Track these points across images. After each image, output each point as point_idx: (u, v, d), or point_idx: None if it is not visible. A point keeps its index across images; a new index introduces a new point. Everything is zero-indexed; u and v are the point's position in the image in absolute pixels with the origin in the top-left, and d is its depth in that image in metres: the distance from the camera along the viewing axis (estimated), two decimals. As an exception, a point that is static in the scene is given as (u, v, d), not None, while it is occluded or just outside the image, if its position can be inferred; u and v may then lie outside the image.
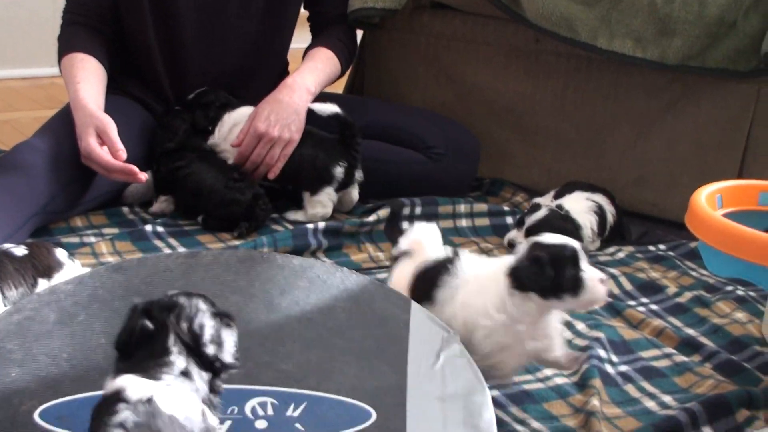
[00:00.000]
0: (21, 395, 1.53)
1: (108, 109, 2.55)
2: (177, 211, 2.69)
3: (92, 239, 2.46)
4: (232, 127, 2.78)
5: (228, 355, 1.42)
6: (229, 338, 1.43)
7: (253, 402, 1.57)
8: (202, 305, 1.43)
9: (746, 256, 1.69)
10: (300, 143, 2.76)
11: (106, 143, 2.45)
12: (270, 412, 1.56)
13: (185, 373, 1.35)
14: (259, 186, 2.69)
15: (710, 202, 1.86)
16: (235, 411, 1.55)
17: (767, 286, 1.76)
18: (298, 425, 1.54)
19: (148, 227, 2.54)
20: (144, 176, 2.46)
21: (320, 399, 1.60)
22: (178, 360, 1.35)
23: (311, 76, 2.85)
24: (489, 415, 1.62)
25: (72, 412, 1.51)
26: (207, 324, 1.41)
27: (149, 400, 1.25)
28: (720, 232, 1.74)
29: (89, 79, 2.60)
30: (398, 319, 1.76)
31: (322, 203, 2.71)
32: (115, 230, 2.54)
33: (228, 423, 1.53)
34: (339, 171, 2.73)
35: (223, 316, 1.44)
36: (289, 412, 1.56)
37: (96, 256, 2.35)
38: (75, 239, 2.46)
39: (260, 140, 2.71)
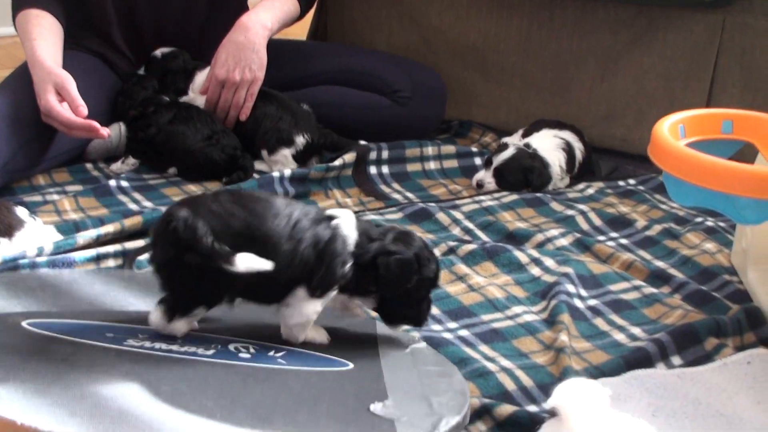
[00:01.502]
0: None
1: (66, 65, 2.51)
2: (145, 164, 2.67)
3: (55, 197, 2.43)
4: (203, 81, 2.76)
5: None
6: None
7: (235, 344, 1.60)
8: None
9: (708, 184, 1.68)
10: (266, 102, 2.74)
11: (65, 100, 2.41)
12: (252, 351, 1.58)
13: None
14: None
15: (673, 132, 1.84)
16: (219, 347, 1.57)
17: (730, 214, 1.74)
18: (280, 360, 1.57)
19: (113, 182, 2.51)
20: (106, 131, 2.42)
21: (299, 351, 1.62)
22: None
23: (267, 13, 2.81)
24: (461, 377, 1.64)
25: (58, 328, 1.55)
26: None
27: None
28: (682, 161, 1.72)
29: (45, 35, 2.55)
30: (366, 322, 1.79)
31: (281, 163, 2.68)
32: (78, 187, 2.51)
33: (212, 350, 1.55)
34: (300, 140, 2.70)
35: None
36: (270, 353, 1.59)
37: (59, 214, 2.32)
38: (38, 197, 2.43)
39: (223, 86, 2.69)
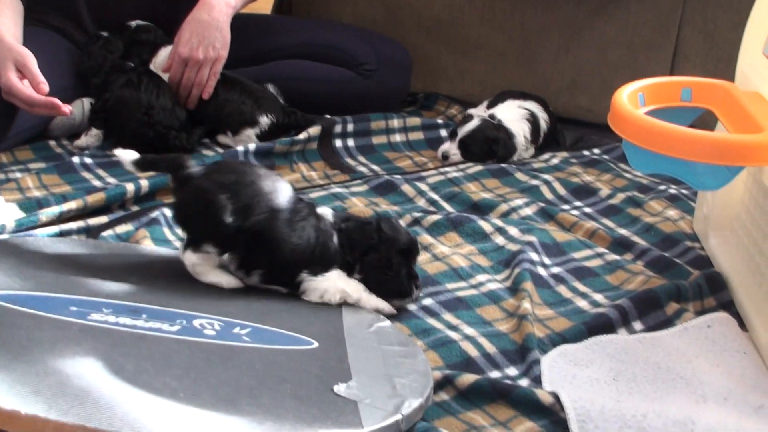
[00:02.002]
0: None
1: (27, 42, 2.48)
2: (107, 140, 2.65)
3: (17, 174, 2.41)
4: (166, 57, 2.75)
5: None
6: None
7: (200, 320, 1.60)
8: None
9: (666, 151, 1.70)
10: (228, 88, 2.73)
11: (26, 77, 2.39)
12: (217, 328, 1.59)
13: None
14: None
15: (632, 100, 1.85)
16: (184, 323, 1.57)
17: (689, 181, 1.76)
18: (245, 337, 1.57)
19: (76, 159, 2.50)
20: (68, 109, 2.41)
21: (264, 328, 1.63)
22: None
23: None
24: (424, 358, 1.65)
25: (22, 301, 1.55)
26: None
27: None
28: (640, 129, 1.73)
29: (4, 11, 2.52)
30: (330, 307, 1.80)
31: (245, 143, 2.66)
32: (41, 164, 2.49)
33: (177, 327, 1.55)
34: (264, 120, 2.70)
35: None
36: (235, 330, 1.59)
37: (22, 191, 2.31)
38: (0, 176, 2.42)
39: (186, 64, 2.68)
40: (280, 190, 1.80)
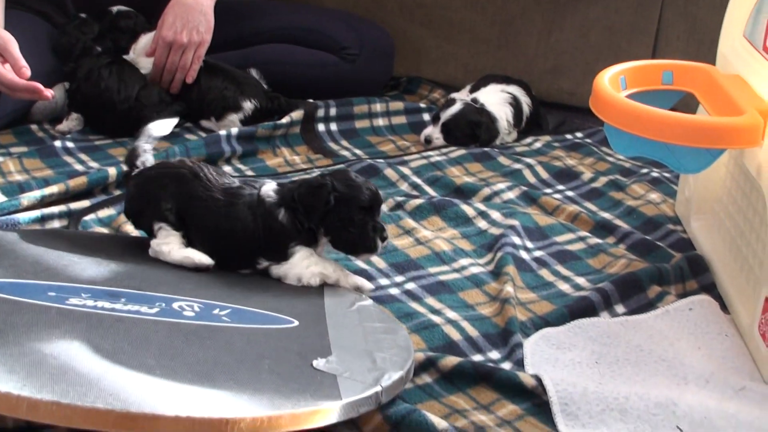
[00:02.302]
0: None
1: (8, 26, 2.46)
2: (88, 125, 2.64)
3: (-1, 158, 2.41)
4: (147, 43, 2.73)
5: None
6: None
7: (180, 303, 1.60)
8: None
9: (647, 134, 1.71)
10: (211, 76, 2.72)
11: (8, 61, 2.36)
12: (196, 309, 1.59)
13: None
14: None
15: (614, 83, 1.86)
16: (163, 306, 1.57)
17: (670, 163, 1.76)
18: (224, 318, 1.57)
19: (58, 143, 2.49)
20: (50, 93, 2.38)
21: (244, 309, 1.63)
22: None
23: None
24: (405, 334, 1.65)
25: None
26: None
27: None
28: (621, 112, 1.74)
29: (-16, -5, 2.51)
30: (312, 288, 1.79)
31: (228, 127, 2.65)
32: (23, 148, 2.48)
33: (156, 309, 1.55)
34: (248, 105, 2.69)
35: None
36: (215, 312, 1.59)
37: (3, 175, 2.29)
38: (-19, 160, 2.41)
39: (171, 48, 2.67)
40: (212, 178, 1.81)
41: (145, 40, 2.75)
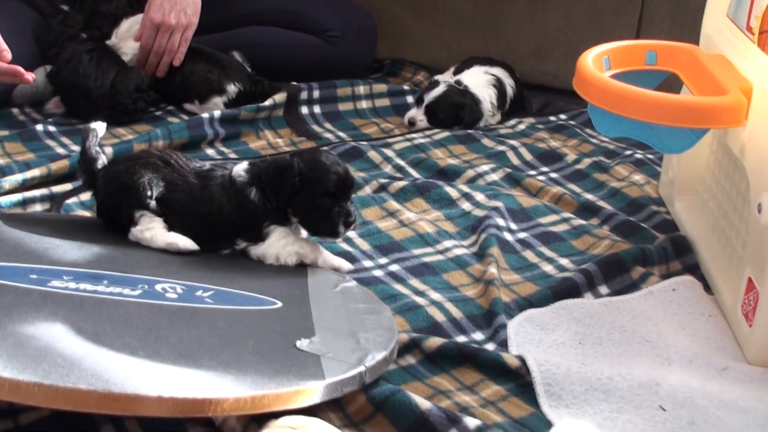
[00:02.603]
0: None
1: (-10, 10, 2.46)
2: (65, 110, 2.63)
3: (-20, 142, 2.39)
4: (130, 27, 2.72)
5: None
6: None
7: (163, 284, 1.59)
8: None
9: (631, 114, 1.70)
10: (195, 60, 2.72)
11: (-12, 44, 2.36)
12: (179, 291, 1.58)
13: None
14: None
15: (597, 64, 1.85)
16: (146, 288, 1.56)
17: (654, 144, 1.77)
18: (207, 299, 1.56)
19: (39, 127, 2.47)
20: (31, 76, 2.37)
21: (227, 291, 1.62)
22: None
23: None
24: (389, 314, 1.65)
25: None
26: None
27: None
28: (605, 92, 1.74)
29: (-35, -21, 2.49)
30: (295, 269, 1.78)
31: (211, 110, 2.63)
32: (4, 132, 2.46)
33: (139, 291, 1.54)
34: (232, 88, 2.68)
35: None
36: (198, 293, 1.58)
37: (-16, 159, 2.29)
38: (-38, 144, 2.39)
39: (158, 30, 2.66)
40: (183, 163, 1.80)
41: (126, 24, 2.74)
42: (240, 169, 1.78)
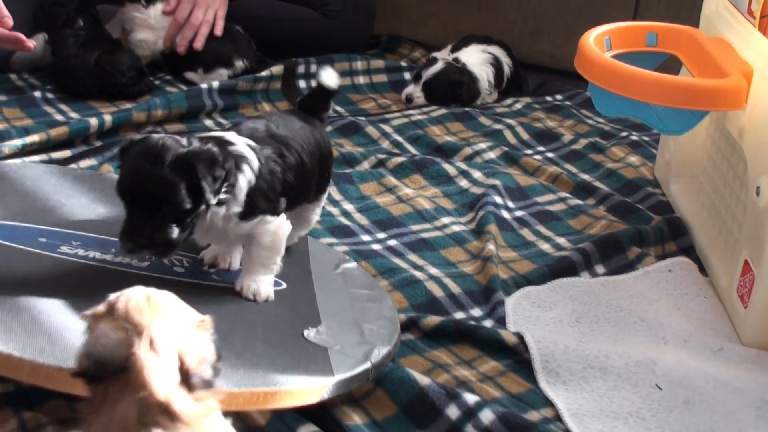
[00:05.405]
0: None
1: (-12, -25, 2.43)
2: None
3: (-22, 107, 2.39)
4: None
5: None
6: None
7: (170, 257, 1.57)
8: None
9: (632, 94, 1.71)
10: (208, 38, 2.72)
11: (-11, 10, 2.34)
12: (186, 264, 1.57)
13: None
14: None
15: (599, 44, 1.86)
16: (153, 259, 1.55)
17: (654, 124, 1.77)
18: (214, 276, 1.56)
19: (38, 93, 2.46)
20: (32, 43, 2.35)
21: (231, 271, 1.60)
22: None
23: None
24: (390, 303, 1.65)
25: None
26: None
27: None
28: (607, 72, 1.75)
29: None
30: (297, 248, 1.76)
31: (214, 79, 2.62)
32: (2, 97, 2.45)
33: (146, 263, 1.54)
34: (239, 64, 2.69)
35: None
36: (205, 268, 1.58)
37: (-18, 124, 2.29)
38: (-40, 109, 2.38)
39: (195, 4, 2.67)
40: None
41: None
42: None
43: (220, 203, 1.41)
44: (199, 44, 2.69)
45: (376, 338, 1.48)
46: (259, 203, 1.46)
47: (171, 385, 0.96)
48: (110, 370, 0.95)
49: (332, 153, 1.71)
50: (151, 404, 0.94)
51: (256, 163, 1.44)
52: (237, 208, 1.43)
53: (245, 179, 1.43)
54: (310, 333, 1.45)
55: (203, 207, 1.38)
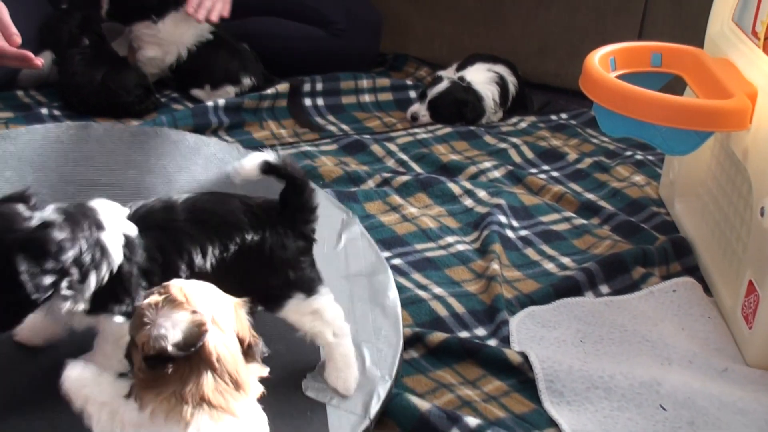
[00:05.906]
0: None
1: (-3, -7, 2.45)
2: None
3: (-15, 124, 2.40)
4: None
5: None
6: None
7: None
8: None
9: (637, 115, 1.72)
10: (217, 48, 2.71)
11: (-1, 28, 2.35)
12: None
13: None
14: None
15: (604, 64, 1.87)
16: None
17: (659, 145, 1.78)
18: None
19: (44, 110, 2.48)
20: (40, 61, 2.36)
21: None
22: None
23: None
24: (393, 294, 1.66)
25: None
26: None
27: None
28: (612, 92, 1.75)
29: (-28, -39, 2.49)
30: None
31: (221, 97, 2.64)
32: (9, 114, 2.47)
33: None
34: (247, 81, 2.70)
35: None
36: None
37: (-11, 142, 2.29)
38: (-33, 126, 2.39)
39: None
40: None
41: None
42: None
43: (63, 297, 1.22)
44: (214, 16, 2.67)
45: (376, 372, 1.47)
46: (107, 302, 1.28)
47: (238, 357, 1.11)
48: (188, 349, 1.06)
49: (293, 262, 1.38)
50: (223, 375, 1.09)
51: (117, 260, 1.25)
52: (81, 305, 1.25)
53: (96, 278, 1.24)
54: (307, 387, 1.44)
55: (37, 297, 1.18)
